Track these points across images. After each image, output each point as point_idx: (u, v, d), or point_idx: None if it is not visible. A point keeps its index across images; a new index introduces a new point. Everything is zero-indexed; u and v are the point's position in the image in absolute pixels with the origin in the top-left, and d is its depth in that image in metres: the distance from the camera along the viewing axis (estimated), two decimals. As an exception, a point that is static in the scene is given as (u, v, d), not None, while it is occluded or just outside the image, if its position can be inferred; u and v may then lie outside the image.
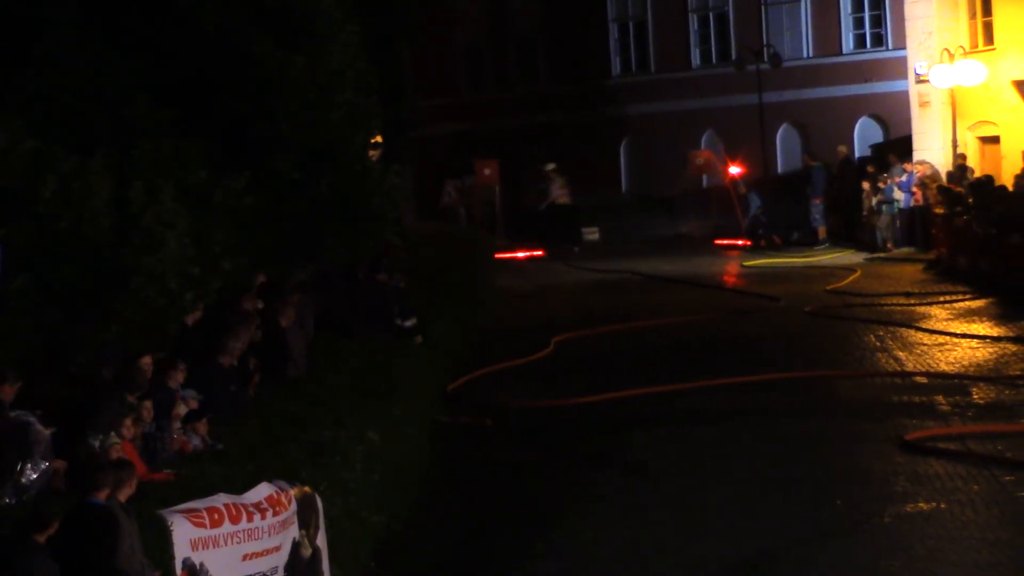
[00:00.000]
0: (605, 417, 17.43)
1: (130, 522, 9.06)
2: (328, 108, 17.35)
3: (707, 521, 12.97)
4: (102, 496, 9.07)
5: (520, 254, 37.15)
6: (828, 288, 27.11)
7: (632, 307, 26.23)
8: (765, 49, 40.82)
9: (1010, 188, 28.54)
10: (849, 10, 41.00)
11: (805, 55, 41.80)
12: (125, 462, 9.73)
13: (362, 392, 14.21)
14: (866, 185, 33.18)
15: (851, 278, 28.39)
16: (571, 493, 14.17)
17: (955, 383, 18.12)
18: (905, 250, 31.59)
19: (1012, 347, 20.37)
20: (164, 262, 13.08)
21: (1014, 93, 31.84)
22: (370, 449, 12.46)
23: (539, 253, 37.23)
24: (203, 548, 9.52)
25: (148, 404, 11.61)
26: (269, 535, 10.15)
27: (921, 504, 13.00)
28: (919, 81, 34.05)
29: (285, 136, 16.79)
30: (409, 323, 19.27)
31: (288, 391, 14.22)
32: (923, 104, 34.20)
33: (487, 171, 41.13)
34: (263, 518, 10.09)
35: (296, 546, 10.48)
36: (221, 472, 10.80)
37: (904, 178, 32.05)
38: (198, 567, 9.45)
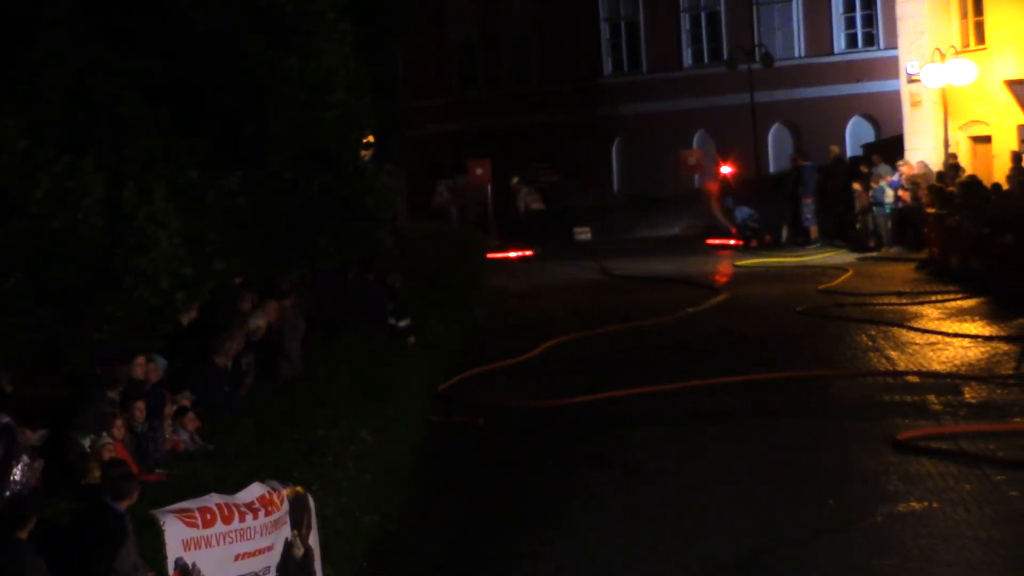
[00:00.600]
0: (602, 416, 17.43)
1: (129, 527, 9.09)
2: (321, 108, 17.32)
3: (703, 520, 12.96)
4: (123, 505, 9.11)
5: (512, 254, 37.16)
6: (820, 288, 27.13)
7: (632, 307, 26.21)
8: (757, 49, 40.85)
9: (1004, 187, 28.56)
10: (841, 10, 41.08)
11: (797, 55, 41.85)
12: (131, 474, 9.71)
13: (355, 392, 14.21)
14: (857, 185, 33.21)
15: (843, 278, 28.41)
16: (568, 492, 14.15)
17: (947, 382, 18.12)
18: (894, 250, 31.63)
19: (1004, 346, 20.37)
20: (156, 262, 13.06)
21: (1005, 93, 31.87)
22: (363, 449, 12.46)
23: (529, 253, 37.24)
24: (195, 548, 9.52)
25: (141, 404, 11.61)
26: (261, 535, 10.16)
27: (913, 503, 13.00)
28: (911, 81, 34.11)
29: (278, 136, 16.76)
30: (403, 323, 19.28)
31: (281, 391, 14.22)
32: (915, 104, 34.25)
33: (479, 171, 41.07)
34: (255, 518, 10.10)
35: (288, 546, 10.48)
36: (214, 472, 10.78)
37: (894, 178, 32.09)
38: (190, 567, 9.45)
